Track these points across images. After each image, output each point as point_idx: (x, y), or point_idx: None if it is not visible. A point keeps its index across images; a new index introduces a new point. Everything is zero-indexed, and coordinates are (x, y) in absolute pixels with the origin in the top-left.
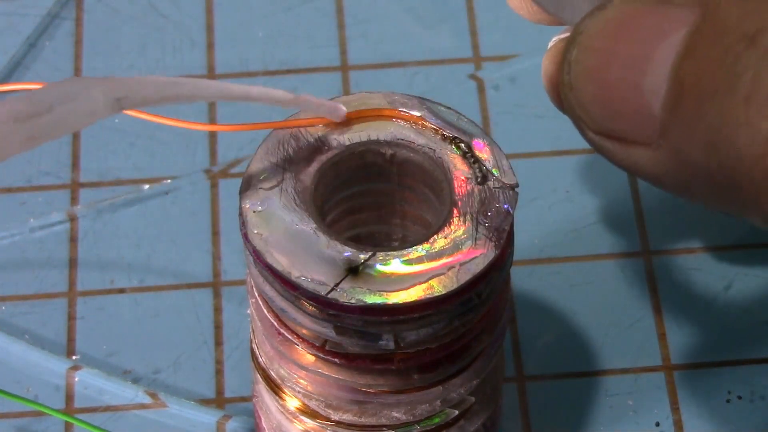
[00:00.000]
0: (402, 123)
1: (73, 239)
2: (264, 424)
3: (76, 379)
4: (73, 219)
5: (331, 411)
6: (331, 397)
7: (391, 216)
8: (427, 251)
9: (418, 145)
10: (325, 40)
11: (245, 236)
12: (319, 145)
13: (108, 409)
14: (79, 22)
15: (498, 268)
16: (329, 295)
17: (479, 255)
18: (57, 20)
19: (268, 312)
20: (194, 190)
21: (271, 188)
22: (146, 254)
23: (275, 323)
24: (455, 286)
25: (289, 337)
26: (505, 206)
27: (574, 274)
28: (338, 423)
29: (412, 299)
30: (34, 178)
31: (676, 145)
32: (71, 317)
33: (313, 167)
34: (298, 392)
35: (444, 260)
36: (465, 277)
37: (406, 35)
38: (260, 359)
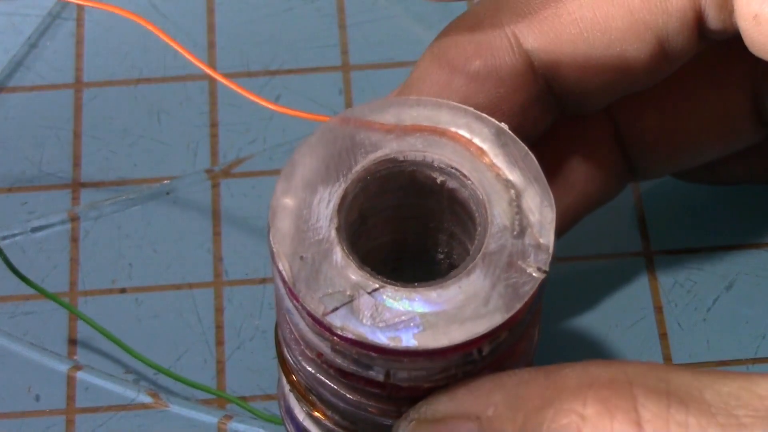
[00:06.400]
0: (461, 149)
1: (74, 239)
2: (290, 424)
3: (77, 379)
4: (74, 219)
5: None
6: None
7: (438, 231)
8: None
9: (469, 180)
10: (326, 41)
11: (268, 233)
12: (371, 151)
13: (109, 409)
14: (80, 23)
15: (507, 329)
16: (325, 318)
17: (485, 316)
18: (58, 20)
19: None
20: (195, 190)
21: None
22: (147, 254)
23: (289, 321)
24: (446, 343)
25: (296, 335)
26: (530, 270)
27: (575, 274)
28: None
29: (402, 347)
30: (35, 178)
31: None
32: (72, 317)
33: (359, 174)
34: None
35: None
36: (461, 336)
37: (407, 36)
38: (287, 359)
